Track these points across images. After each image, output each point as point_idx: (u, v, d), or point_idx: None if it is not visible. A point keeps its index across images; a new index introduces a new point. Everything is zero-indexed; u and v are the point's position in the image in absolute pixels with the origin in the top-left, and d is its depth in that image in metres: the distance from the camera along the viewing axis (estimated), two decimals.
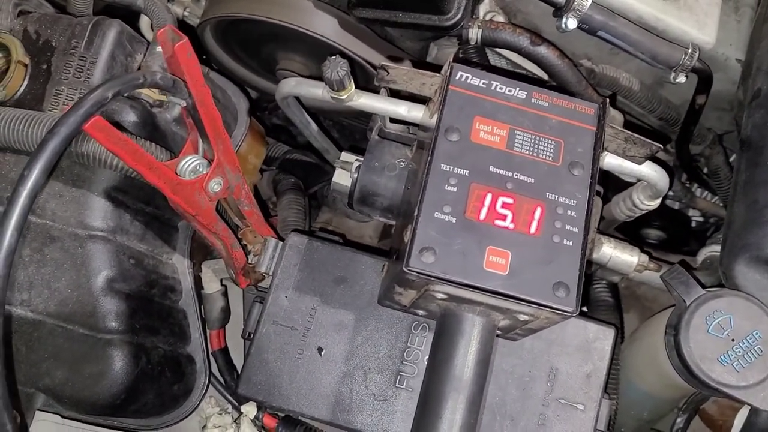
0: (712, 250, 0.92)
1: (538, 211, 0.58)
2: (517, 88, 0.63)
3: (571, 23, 0.76)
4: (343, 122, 1.26)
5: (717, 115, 0.97)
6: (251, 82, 1.17)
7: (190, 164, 0.68)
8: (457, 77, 0.62)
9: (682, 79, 0.82)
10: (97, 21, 0.79)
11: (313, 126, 0.96)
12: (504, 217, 0.58)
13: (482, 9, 0.85)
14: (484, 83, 0.63)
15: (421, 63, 0.83)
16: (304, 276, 0.74)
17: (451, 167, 0.59)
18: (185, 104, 0.64)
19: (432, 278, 0.55)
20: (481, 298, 0.56)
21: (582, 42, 0.86)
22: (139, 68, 0.82)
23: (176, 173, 0.67)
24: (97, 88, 0.55)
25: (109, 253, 0.76)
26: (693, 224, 1.30)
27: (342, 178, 0.82)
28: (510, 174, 0.59)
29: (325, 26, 0.89)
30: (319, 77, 0.76)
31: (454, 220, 0.57)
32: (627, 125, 0.73)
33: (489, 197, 0.58)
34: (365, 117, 1.17)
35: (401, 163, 0.78)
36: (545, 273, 0.56)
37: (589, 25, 0.77)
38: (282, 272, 0.74)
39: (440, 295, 0.57)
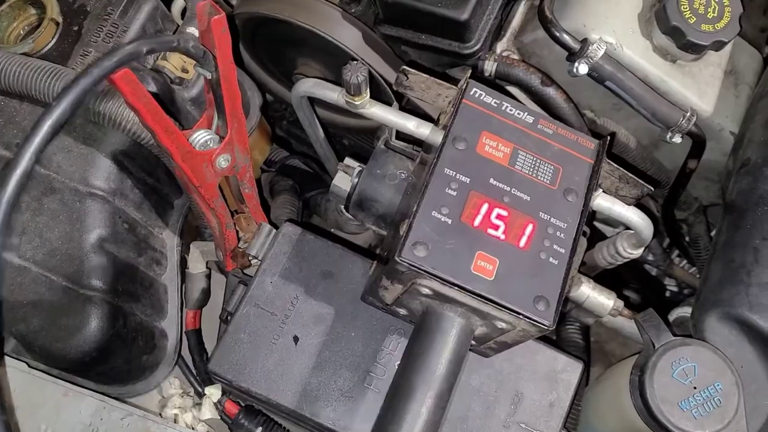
0: (684, 311, 0.95)
1: (530, 227, 0.61)
2: (526, 113, 0.67)
3: (582, 68, 0.80)
4: (344, 140, 1.29)
5: (705, 185, 1.01)
6: (265, 84, 1.19)
7: (202, 138, 0.70)
8: (472, 92, 0.66)
9: (677, 139, 0.86)
10: None
11: (321, 132, 0.99)
12: (497, 227, 0.60)
13: (499, 46, 0.89)
14: (495, 102, 0.66)
15: (440, 74, 0.86)
16: (292, 265, 0.76)
17: (454, 173, 0.61)
18: (210, 77, 0.66)
19: (421, 271, 0.57)
20: (465, 299, 0.58)
21: (588, 93, 0.91)
22: None
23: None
24: (132, 42, 0.58)
25: (105, 213, 0.78)
26: (667, 293, 1.33)
27: (342, 182, 0.84)
28: (508, 189, 0.62)
29: (351, 38, 0.92)
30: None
31: (449, 221, 0.59)
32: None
33: (485, 206, 0.61)
34: (368, 135, 1.21)
35: (402, 175, 0.80)
36: (528, 285, 0.59)
37: (599, 73, 0.81)
38: (271, 258, 0.76)
39: (425, 291, 0.59)
